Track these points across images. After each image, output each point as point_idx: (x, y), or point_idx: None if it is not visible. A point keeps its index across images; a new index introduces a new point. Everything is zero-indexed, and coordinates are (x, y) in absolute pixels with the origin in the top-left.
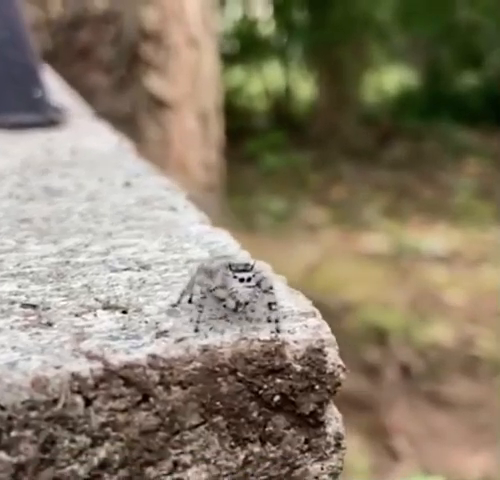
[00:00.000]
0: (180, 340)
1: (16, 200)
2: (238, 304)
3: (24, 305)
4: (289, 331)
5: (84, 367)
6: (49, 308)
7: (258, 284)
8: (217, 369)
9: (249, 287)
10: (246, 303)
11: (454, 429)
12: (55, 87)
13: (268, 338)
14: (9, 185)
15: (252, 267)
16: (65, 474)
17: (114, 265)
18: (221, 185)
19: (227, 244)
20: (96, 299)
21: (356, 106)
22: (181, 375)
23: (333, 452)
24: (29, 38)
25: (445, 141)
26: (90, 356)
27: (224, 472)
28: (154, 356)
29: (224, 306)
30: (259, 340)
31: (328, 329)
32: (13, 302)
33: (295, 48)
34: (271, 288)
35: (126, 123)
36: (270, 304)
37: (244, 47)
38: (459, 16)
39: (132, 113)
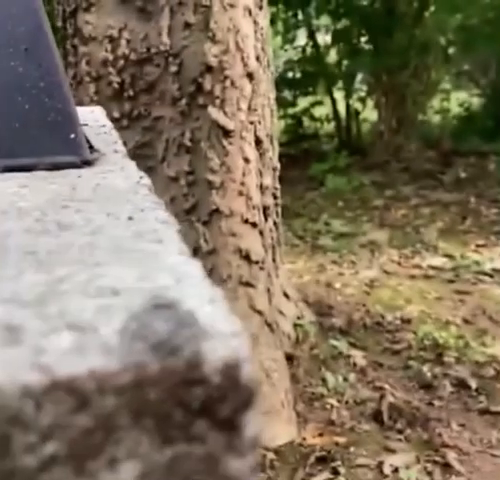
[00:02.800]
0: (119, 356)
1: (30, 234)
2: (160, 342)
3: (5, 327)
4: (210, 349)
5: (35, 378)
6: (23, 330)
7: (181, 320)
8: (145, 380)
9: (171, 324)
10: (168, 340)
11: None
12: (95, 123)
13: (190, 355)
14: (29, 221)
15: (176, 304)
16: (20, 465)
17: (89, 292)
18: (278, 209)
19: (193, 274)
20: (64, 322)
21: (418, 128)
22: (114, 385)
23: (250, 450)
24: (65, 84)
25: None
26: (41, 369)
27: (155, 466)
28: (93, 369)
29: (148, 344)
30: (183, 355)
31: (246, 348)
32: None
33: (358, 73)
34: (194, 322)
35: (190, 151)
36: (192, 336)
37: (310, 73)
38: None
39: (196, 141)
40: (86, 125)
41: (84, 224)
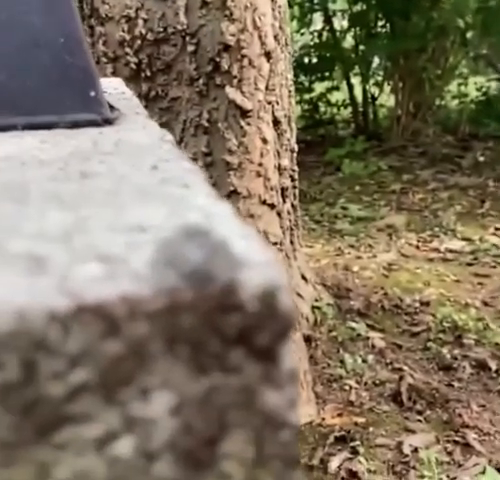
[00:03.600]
0: (151, 282)
1: (53, 182)
2: (193, 269)
3: (29, 257)
4: (246, 276)
5: (61, 302)
6: (49, 260)
7: (214, 248)
8: (179, 306)
9: (204, 252)
10: (201, 268)
11: None
12: (113, 90)
13: (226, 280)
14: (51, 170)
15: (208, 232)
16: (46, 393)
17: (117, 229)
18: (296, 190)
19: (223, 213)
20: (91, 254)
21: (436, 112)
22: (146, 310)
23: (288, 383)
24: (84, 42)
25: None
26: (68, 293)
27: (189, 397)
28: (123, 293)
29: (180, 272)
30: (218, 282)
31: (283, 275)
32: (18, 256)
33: (375, 57)
34: (228, 250)
35: (208, 131)
36: (227, 263)
37: (326, 58)
38: None
39: (213, 122)
40: (105, 92)
41: (107, 173)
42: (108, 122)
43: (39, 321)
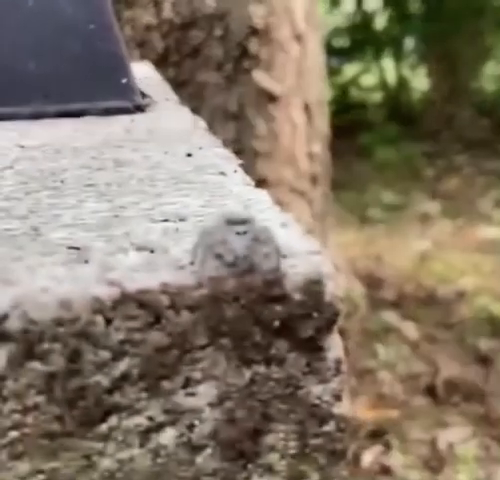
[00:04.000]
0: (193, 272)
1: (87, 169)
2: (236, 258)
3: (69, 247)
4: (290, 265)
5: (104, 291)
6: (89, 249)
7: (257, 236)
8: (222, 296)
9: (247, 240)
10: (244, 256)
11: None
12: (144, 76)
13: (269, 271)
14: (85, 158)
15: (250, 220)
16: (91, 383)
17: (155, 217)
18: (327, 178)
19: (262, 201)
20: (131, 243)
21: (471, 96)
22: (189, 300)
23: (334, 375)
24: (115, 28)
25: None
26: (110, 283)
27: (232, 389)
28: (166, 283)
29: (223, 261)
30: (261, 272)
31: (329, 265)
32: (60, 245)
33: (409, 40)
34: (270, 238)
35: (236, 117)
36: (270, 252)
37: (358, 41)
38: None
39: (241, 107)
40: (136, 78)
41: (141, 161)
42: (140, 109)
43: (83, 310)
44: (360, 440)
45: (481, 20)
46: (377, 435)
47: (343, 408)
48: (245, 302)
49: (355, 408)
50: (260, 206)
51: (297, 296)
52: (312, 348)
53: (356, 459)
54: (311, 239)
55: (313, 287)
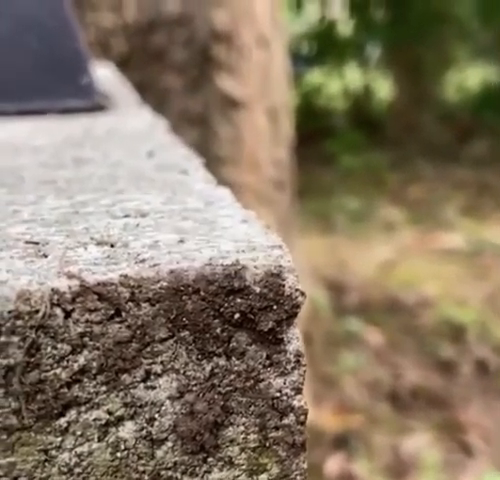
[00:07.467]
0: (153, 265)
1: (46, 168)
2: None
3: (27, 242)
4: (251, 258)
5: (63, 284)
6: (48, 244)
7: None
8: (182, 288)
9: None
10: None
11: None
12: (105, 76)
13: (230, 263)
14: (44, 156)
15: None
16: (49, 377)
17: (116, 214)
18: (292, 183)
19: (223, 198)
20: (91, 237)
21: (436, 104)
22: (149, 293)
23: (294, 368)
24: (76, 27)
25: None
26: (70, 276)
27: (192, 382)
28: (125, 276)
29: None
30: (221, 265)
31: (290, 259)
32: (18, 239)
33: (373, 47)
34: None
35: (199, 123)
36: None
37: (322, 48)
38: None
39: (205, 113)
40: (98, 78)
41: (102, 159)
42: (100, 108)
43: (42, 302)
44: (323, 447)
45: (444, 28)
46: (340, 442)
47: (303, 401)
48: (205, 294)
49: (319, 414)
50: (222, 203)
51: (257, 289)
52: (272, 341)
53: (318, 466)
54: (272, 234)
55: (273, 280)
